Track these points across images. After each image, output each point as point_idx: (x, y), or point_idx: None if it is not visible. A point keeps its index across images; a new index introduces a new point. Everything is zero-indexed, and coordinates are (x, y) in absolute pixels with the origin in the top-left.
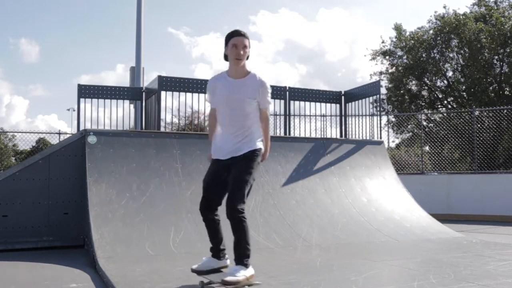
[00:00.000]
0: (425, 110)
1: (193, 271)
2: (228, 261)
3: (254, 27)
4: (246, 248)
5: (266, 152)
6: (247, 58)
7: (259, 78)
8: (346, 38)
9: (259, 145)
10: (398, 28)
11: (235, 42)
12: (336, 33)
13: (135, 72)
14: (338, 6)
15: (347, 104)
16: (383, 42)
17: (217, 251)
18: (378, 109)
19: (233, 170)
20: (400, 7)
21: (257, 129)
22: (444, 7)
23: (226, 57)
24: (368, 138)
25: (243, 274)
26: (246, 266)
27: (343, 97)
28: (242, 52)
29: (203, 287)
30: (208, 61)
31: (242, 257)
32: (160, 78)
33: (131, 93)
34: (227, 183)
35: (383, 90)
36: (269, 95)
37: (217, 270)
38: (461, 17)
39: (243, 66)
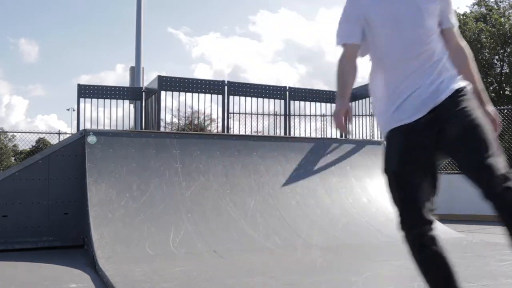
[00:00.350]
0: None
1: None
2: None
3: (253, 27)
4: None
5: (484, 101)
6: None
7: None
8: None
9: (465, 83)
10: None
11: None
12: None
13: (135, 72)
14: (337, 5)
15: None
16: None
17: None
18: None
19: (451, 126)
20: None
21: (449, 62)
22: None
23: None
24: (368, 138)
25: None
26: None
27: None
28: None
29: None
30: (208, 61)
31: None
32: (160, 78)
33: (131, 93)
34: (433, 166)
35: None
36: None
37: None
38: (461, 17)
39: None
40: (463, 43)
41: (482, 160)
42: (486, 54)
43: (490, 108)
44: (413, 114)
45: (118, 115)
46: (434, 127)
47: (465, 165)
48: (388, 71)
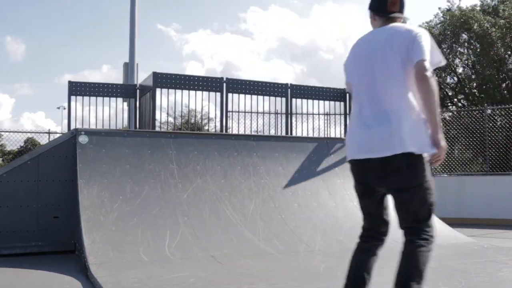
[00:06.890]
0: None
1: None
2: None
3: (244, 24)
4: None
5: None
6: None
7: None
8: (341, 35)
9: None
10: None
11: None
12: (329, 30)
13: (129, 68)
14: (330, 1)
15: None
16: None
17: None
18: None
19: None
20: None
21: None
22: (448, 1)
23: None
24: None
25: None
26: None
27: (348, 94)
28: None
29: None
30: (200, 59)
31: None
32: (155, 74)
33: (125, 90)
34: None
35: None
36: None
37: None
38: (467, 10)
39: None
40: None
41: None
42: (498, 49)
43: None
44: None
45: (111, 113)
46: None
47: None
48: None
